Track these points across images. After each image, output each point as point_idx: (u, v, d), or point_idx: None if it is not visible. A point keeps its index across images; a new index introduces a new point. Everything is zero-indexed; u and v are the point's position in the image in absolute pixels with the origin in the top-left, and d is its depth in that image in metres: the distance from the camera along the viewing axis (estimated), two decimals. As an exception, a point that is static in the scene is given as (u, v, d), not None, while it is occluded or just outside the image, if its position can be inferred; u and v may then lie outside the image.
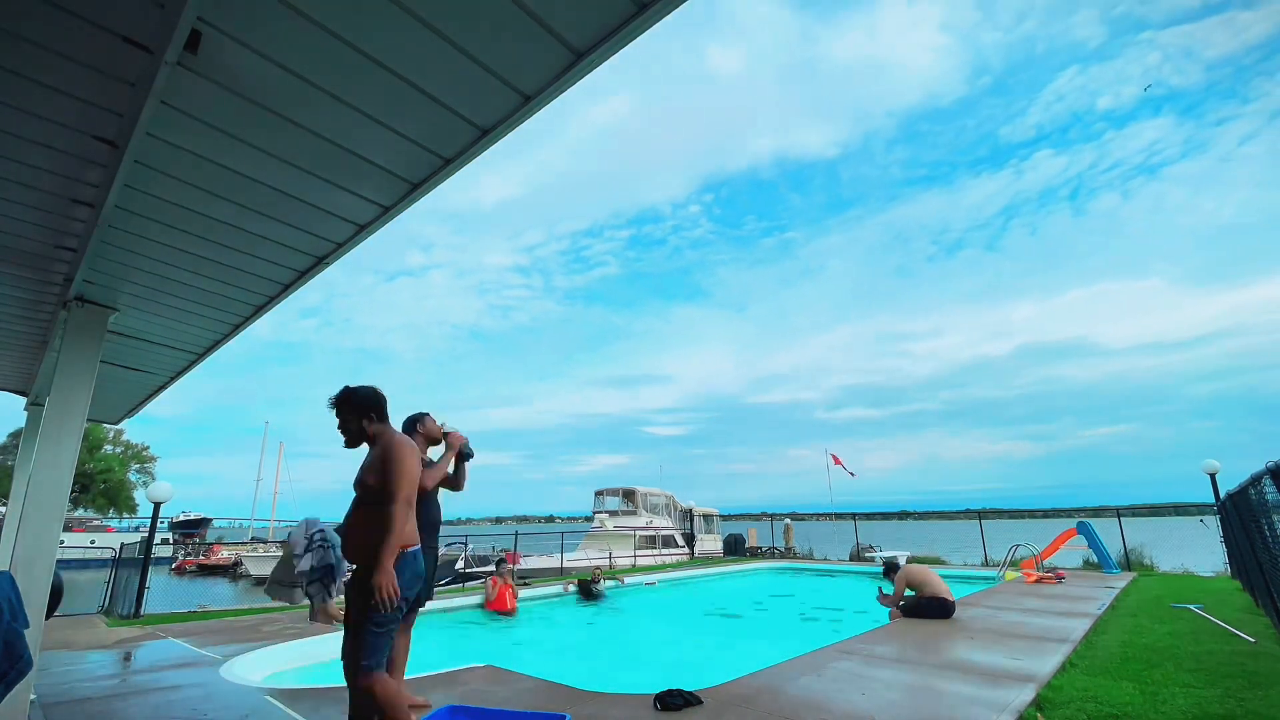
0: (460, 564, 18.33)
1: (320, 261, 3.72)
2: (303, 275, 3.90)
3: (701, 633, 9.19)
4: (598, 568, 13.08)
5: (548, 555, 17.97)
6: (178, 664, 5.53)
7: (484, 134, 2.59)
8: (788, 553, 21.35)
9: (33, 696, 3.94)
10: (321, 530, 3.44)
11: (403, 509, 2.68)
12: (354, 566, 2.80)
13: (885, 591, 7.92)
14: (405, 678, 4.12)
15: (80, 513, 43.90)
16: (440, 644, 8.04)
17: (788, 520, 23.51)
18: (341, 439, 2.91)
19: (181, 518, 45.67)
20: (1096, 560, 13.25)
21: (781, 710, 3.90)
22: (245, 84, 2.31)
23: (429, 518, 3.62)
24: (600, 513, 23.09)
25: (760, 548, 22.44)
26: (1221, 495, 11.62)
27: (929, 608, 7.35)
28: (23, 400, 7.32)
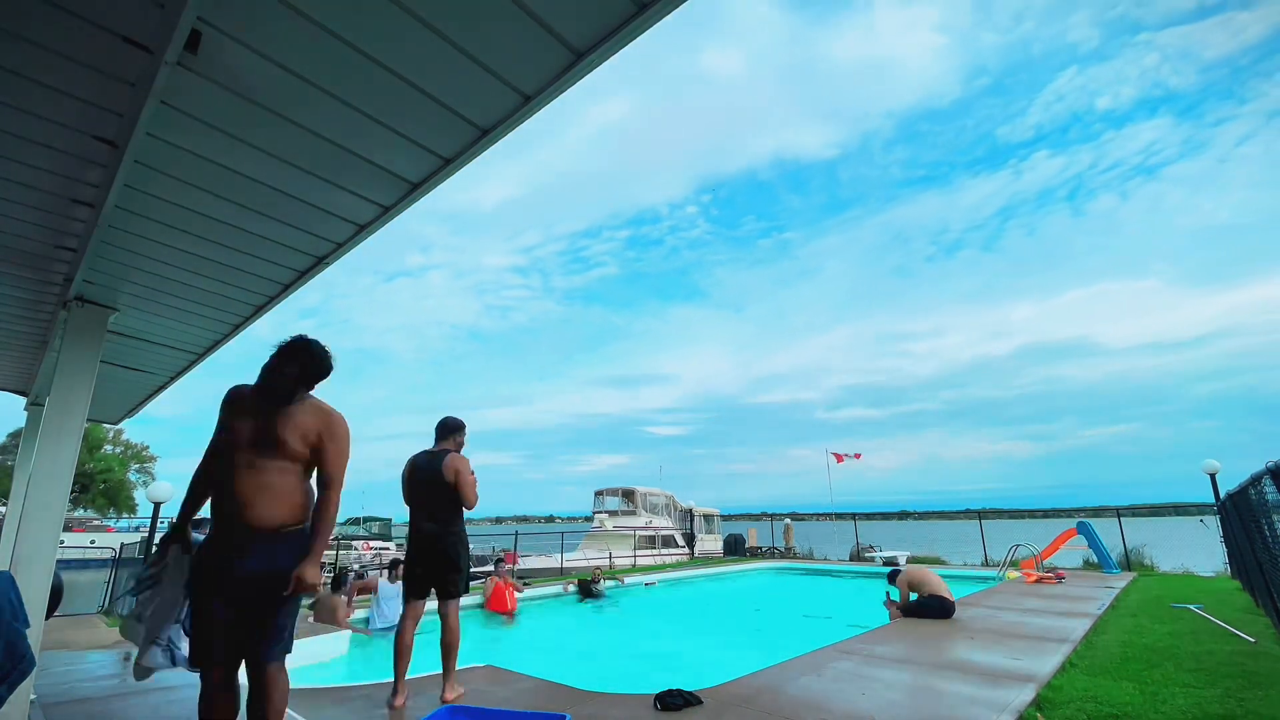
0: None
1: (320, 261, 3.72)
2: (303, 275, 3.90)
3: (701, 633, 9.19)
4: (597, 568, 13.08)
5: (547, 555, 17.97)
6: (178, 664, 5.53)
7: (484, 134, 2.58)
8: (788, 553, 21.35)
9: (33, 696, 3.94)
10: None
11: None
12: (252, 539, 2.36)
13: (893, 598, 7.90)
14: (408, 677, 4.14)
15: (80, 513, 43.89)
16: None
17: (788, 520, 23.51)
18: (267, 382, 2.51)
19: (181, 518, 45.57)
20: (1096, 560, 13.26)
21: (781, 710, 3.90)
22: (245, 84, 2.31)
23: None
24: (600, 513, 23.09)
25: (760, 548, 22.44)
26: (1221, 495, 11.62)
27: (929, 607, 7.35)
28: (23, 400, 7.32)
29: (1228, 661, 5.12)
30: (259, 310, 4.44)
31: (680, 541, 22.76)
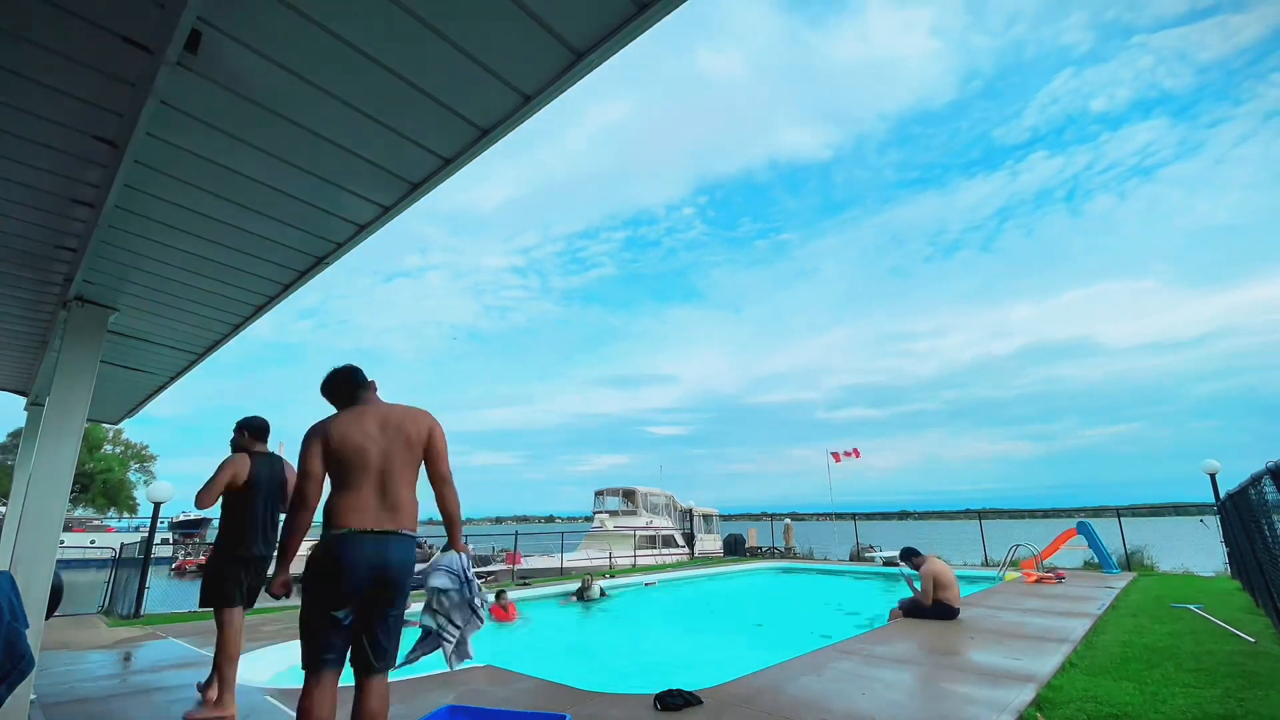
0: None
1: (320, 261, 3.72)
2: (303, 275, 3.90)
3: (701, 633, 9.20)
4: (588, 574, 12.99)
5: (548, 555, 17.98)
6: (178, 664, 5.53)
7: (484, 134, 2.59)
8: (788, 553, 21.35)
9: (33, 696, 3.94)
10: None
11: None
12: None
13: (917, 586, 7.72)
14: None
15: (80, 513, 43.89)
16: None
17: (788, 520, 23.51)
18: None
19: (182, 518, 45.59)
20: (1096, 560, 13.26)
21: (781, 710, 3.90)
22: (245, 84, 2.31)
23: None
24: (600, 513, 23.09)
25: (760, 548, 22.45)
26: (1221, 495, 11.62)
27: (931, 609, 7.33)
28: (23, 400, 7.32)
29: (1228, 661, 5.12)
30: (259, 310, 4.44)
31: (680, 541, 22.77)
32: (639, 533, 20.79)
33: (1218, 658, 5.26)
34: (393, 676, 4.68)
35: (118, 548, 12.16)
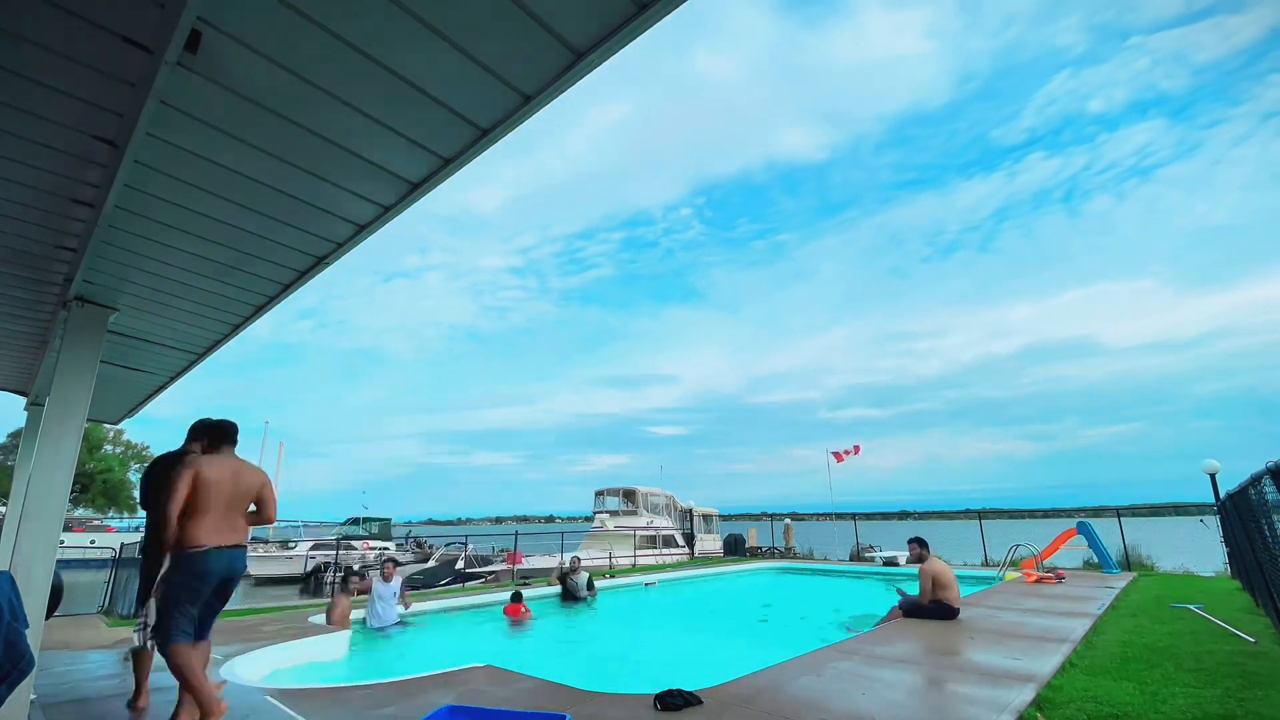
0: (460, 564, 18.35)
1: (320, 261, 3.72)
2: (303, 275, 3.90)
3: (701, 633, 9.20)
4: (576, 557, 12.56)
5: (549, 555, 18.01)
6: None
7: (484, 134, 2.59)
8: (788, 553, 21.36)
9: (33, 696, 3.94)
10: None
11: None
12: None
13: (909, 594, 7.73)
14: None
15: (80, 513, 43.88)
16: (450, 641, 8.05)
17: (788, 520, 23.51)
18: None
19: (181, 518, 45.56)
20: (1096, 560, 13.26)
21: (781, 710, 3.90)
22: (245, 84, 2.31)
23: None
24: (601, 513, 23.09)
25: (760, 548, 22.45)
26: (1221, 495, 11.63)
27: (931, 609, 7.33)
28: (23, 400, 7.32)
29: (1228, 661, 5.12)
30: (259, 310, 4.44)
31: (680, 541, 22.78)
32: (639, 533, 20.80)
33: (1218, 658, 5.26)
34: (393, 676, 4.68)
35: (118, 548, 12.16)
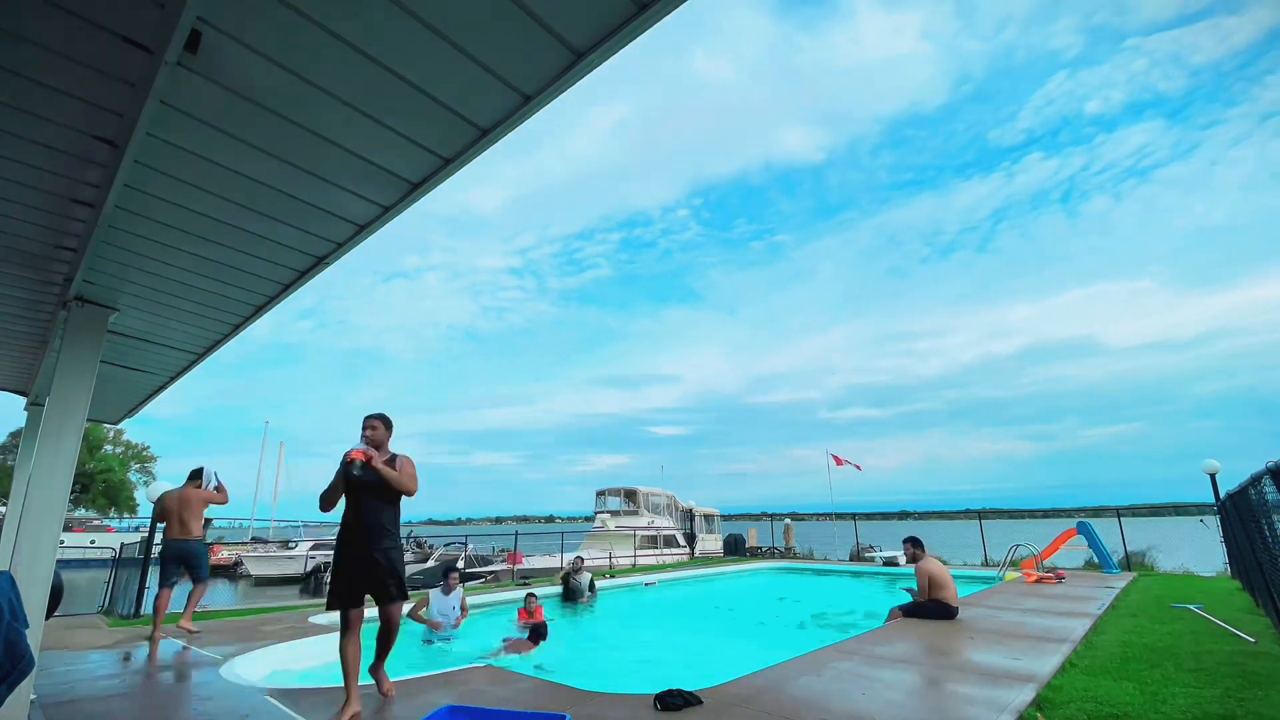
0: (460, 564, 18.36)
1: (320, 261, 3.72)
2: (303, 275, 3.90)
3: (701, 633, 9.19)
4: (579, 557, 12.62)
5: (549, 555, 18.02)
6: (178, 664, 5.53)
7: (484, 134, 2.59)
8: (788, 553, 21.36)
9: (33, 696, 3.94)
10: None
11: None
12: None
13: (911, 589, 7.77)
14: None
15: (80, 513, 43.87)
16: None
17: (788, 520, 23.51)
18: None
19: (182, 517, 45.57)
20: (1097, 560, 13.25)
21: (782, 710, 3.90)
22: (245, 84, 2.31)
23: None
24: (602, 513, 23.10)
25: (760, 548, 22.45)
26: (1221, 495, 11.62)
27: (931, 609, 7.33)
28: (23, 400, 7.32)
29: (1228, 661, 5.12)
30: (259, 310, 4.44)
31: (681, 541, 22.78)
32: (640, 533, 20.79)
33: (1218, 658, 5.26)
34: (393, 677, 4.67)
35: (118, 548, 12.16)
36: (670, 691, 4.05)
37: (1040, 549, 13.61)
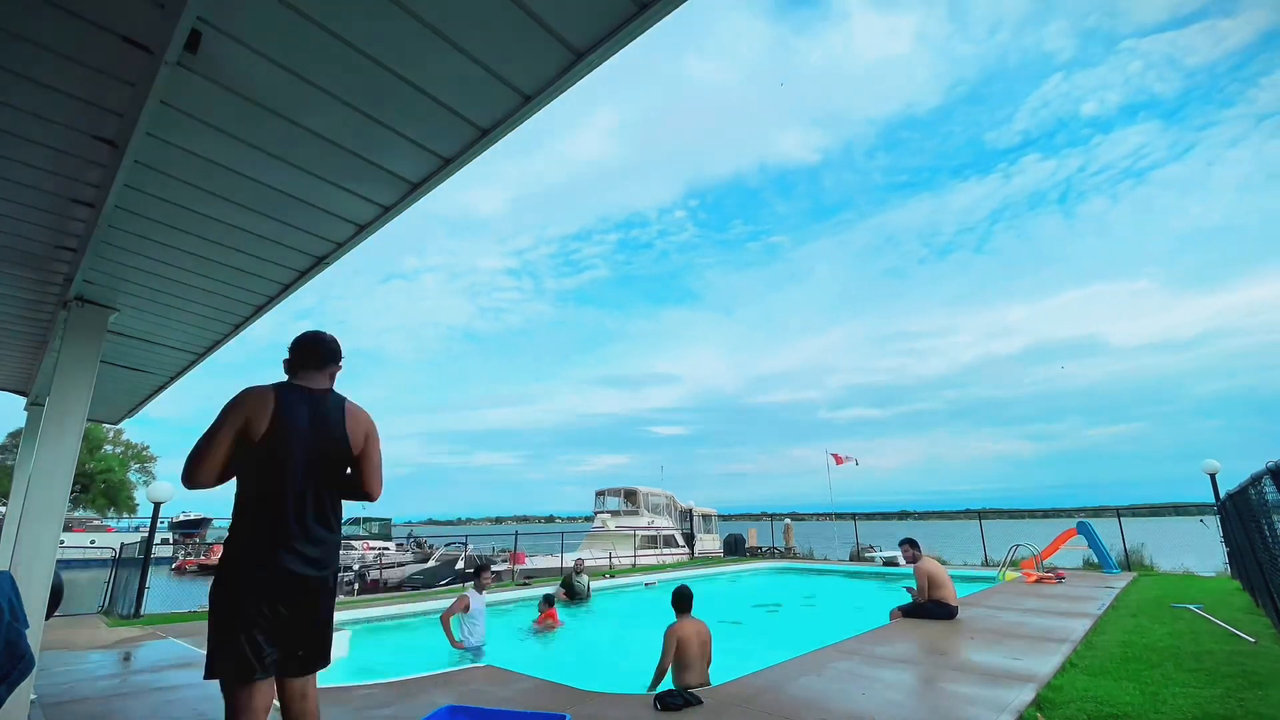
0: (460, 564, 18.37)
1: (320, 261, 3.72)
2: (303, 275, 3.90)
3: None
4: (580, 560, 12.82)
5: (550, 555, 18.04)
6: (178, 664, 5.54)
7: (484, 134, 2.58)
8: (788, 553, 21.36)
9: (33, 696, 3.94)
10: None
11: None
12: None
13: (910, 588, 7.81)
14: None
15: (80, 513, 43.86)
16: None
17: (788, 520, 23.51)
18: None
19: (181, 518, 45.60)
20: (1096, 560, 13.25)
21: (782, 710, 3.90)
22: (245, 84, 2.31)
23: None
24: (602, 513, 23.10)
25: (760, 548, 22.45)
26: (1221, 495, 11.62)
27: (930, 609, 7.34)
28: (23, 400, 7.32)
29: (1228, 661, 5.12)
30: (259, 310, 4.44)
31: (681, 541, 22.80)
32: (640, 533, 20.80)
33: (1218, 658, 5.26)
34: (392, 676, 4.68)
35: (118, 548, 12.17)
36: (670, 691, 4.06)
37: (1040, 549, 13.62)
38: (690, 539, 22.94)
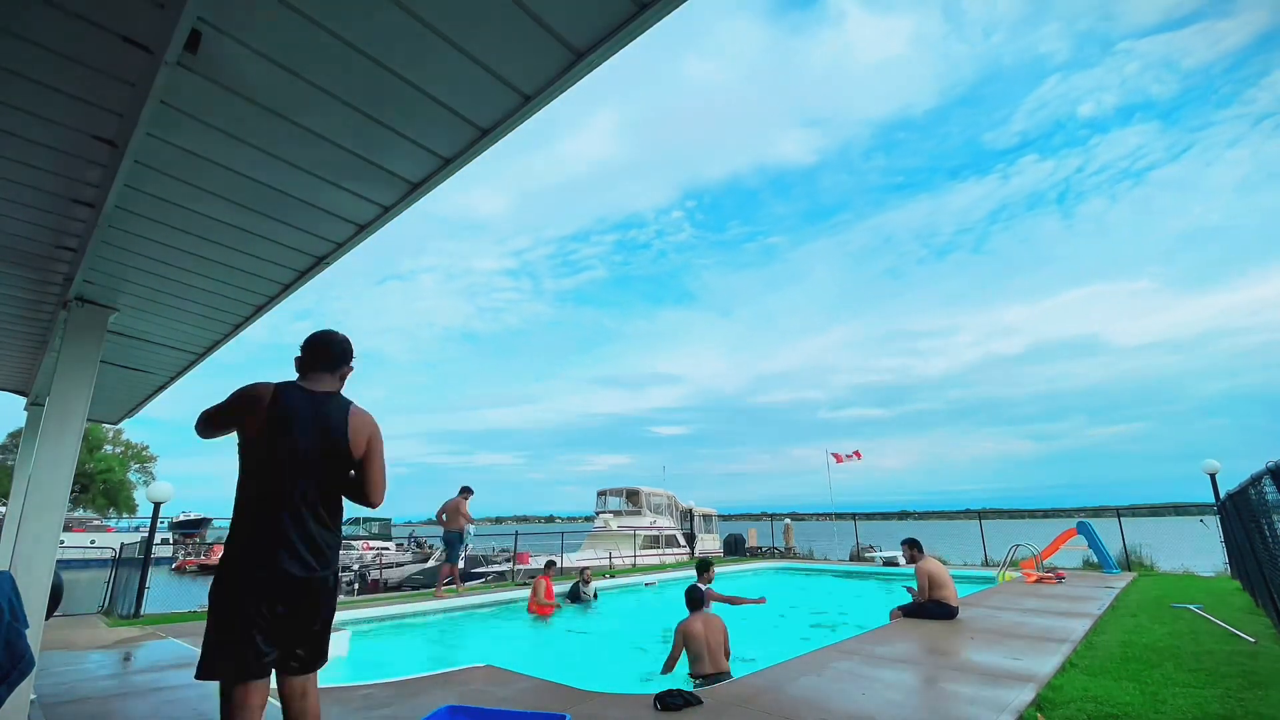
0: (460, 564, 18.37)
1: (320, 261, 3.72)
2: (303, 275, 3.90)
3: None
4: (586, 568, 12.96)
5: (551, 555, 18.06)
6: (178, 664, 5.53)
7: (484, 134, 2.59)
8: (788, 553, 21.36)
9: (33, 696, 3.94)
10: None
11: None
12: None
13: (912, 588, 7.82)
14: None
15: (80, 513, 43.88)
16: (450, 640, 8.05)
17: (788, 520, 23.51)
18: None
19: (182, 518, 45.63)
20: (1096, 560, 13.25)
21: (782, 710, 3.90)
22: (245, 84, 2.31)
23: None
24: (604, 513, 23.11)
25: (760, 548, 22.46)
26: (1221, 495, 11.63)
27: (931, 609, 7.33)
28: (23, 400, 7.32)
29: (1228, 661, 5.12)
30: (259, 310, 4.44)
31: (682, 541, 22.81)
32: (642, 533, 20.81)
33: (1218, 658, 5.26)
34: (392, 676, 4.67)
35: (118, 548, 12.16)
36: (670, 691, 4.06)
37: (1040, 549, 13.61)
38: (691, 539, 22.95)
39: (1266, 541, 6.20)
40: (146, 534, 11.19)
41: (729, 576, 15.82)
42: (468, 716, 3.35)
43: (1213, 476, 13.31)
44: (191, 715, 3.99)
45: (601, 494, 24.48)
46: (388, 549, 25.62)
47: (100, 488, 44.88)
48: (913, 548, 7.95)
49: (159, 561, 26.75)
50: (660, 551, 21.09)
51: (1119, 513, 15.73)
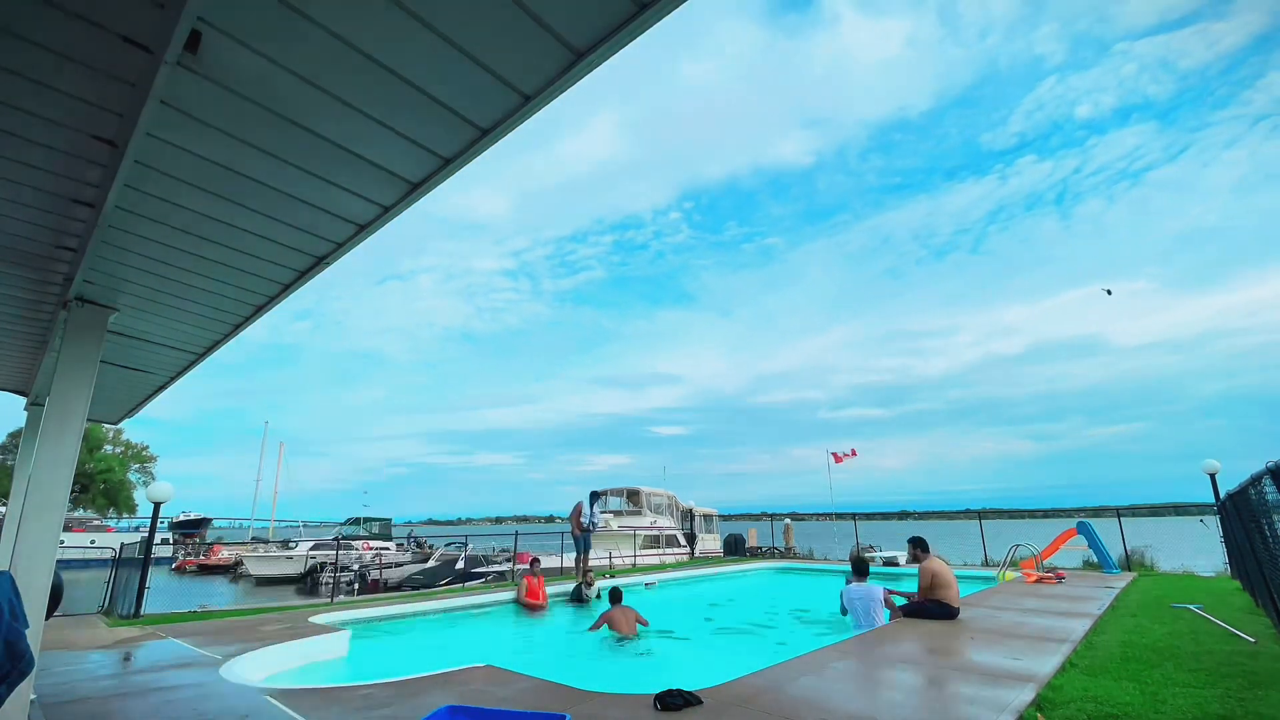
0: (460, 564, 18.38)
1: (320, 261, 3.72)
2: (303, 275, 3.90)
3: (701, 633, 9.19)
4: (589, 571, 13.03)
5: (551, 555, 18.07)
6: (178, 664, 5.53)
7: (484, 134, 2.59)
8: (788, 553, 21.35)
9: (33, 696, 3.94)
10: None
11: None
12: None
13: (907, 590, 7.81)
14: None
15: (80, 513, 43.89)
16: (451, 640, 8.04)
17: (788, 520, 23.50)
18: None
19: (182, 518, 45.68)
20: (1096, 560, 13.25)
21: (782, 710, 3.90)
22: (245, 84, 2.31)
23: None
24: (605, 513, 23.11)
25: (760, 548, 22.45)
26: (1221, 495, 11.62)
27: (931, 609, 7.33)
28: (23, 400, 7.32)
29: (1228, 661, 5.12)
30: (259, 310, 4.44)
31: (682, 541, 22.82)
32: (643, 533, 20.81)
33: (1218, 658, 5.26)
34: (392, 676, 4.67)
35: (118, 548, 12.17)
36: (670, 691, 4.05)
37: (1040, 549, 13.61)
38: (691, 539, 22.95)
39: (1266, 541, 6.20)
40: (146, 534, 11.19)
41: (729, 576, 15.83)
42: (468, 716, 3.35)
43: (1213, 476, 13.31)
44: (191, 715, 3.99)
45: (601, 494, 24.48)
46: (388, 549, 25.62)
47: (100, 488, 44.89)
48: (917, 547, 7.92)
49: (159, 562, 26.73)
50: (660, 551, 21.10)
51: (1119, 513, 15.73)
